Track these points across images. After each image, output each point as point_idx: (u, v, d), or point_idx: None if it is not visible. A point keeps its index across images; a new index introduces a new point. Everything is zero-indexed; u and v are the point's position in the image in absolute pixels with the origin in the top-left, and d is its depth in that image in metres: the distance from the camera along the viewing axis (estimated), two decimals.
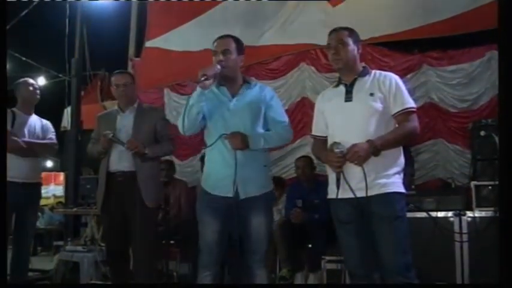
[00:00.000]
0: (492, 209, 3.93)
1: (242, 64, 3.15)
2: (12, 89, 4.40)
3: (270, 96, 3.12)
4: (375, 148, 2.61)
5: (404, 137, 2.78)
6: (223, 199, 2.98)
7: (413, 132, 2.78)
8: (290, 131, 3.15)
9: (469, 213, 4.05)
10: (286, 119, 3.15)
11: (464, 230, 3.99)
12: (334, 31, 2.89)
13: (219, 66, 2.93)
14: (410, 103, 2.76)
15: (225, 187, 2.96)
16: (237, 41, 3.12)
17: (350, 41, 2.83)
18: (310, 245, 4.75)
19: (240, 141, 2.90)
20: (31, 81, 4.54)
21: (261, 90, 3.13)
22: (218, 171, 3.04)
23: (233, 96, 3.07)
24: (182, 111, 2.95)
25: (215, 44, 3.07)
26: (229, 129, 2.95)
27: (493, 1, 4.89)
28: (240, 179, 2.94)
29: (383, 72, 2.88)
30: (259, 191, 3.00)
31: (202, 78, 2.82)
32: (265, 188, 3.06)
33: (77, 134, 6.67)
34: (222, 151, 2.99)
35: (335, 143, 2.68)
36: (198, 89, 2.88)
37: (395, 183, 2.70)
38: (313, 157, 5.16)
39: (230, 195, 2.94)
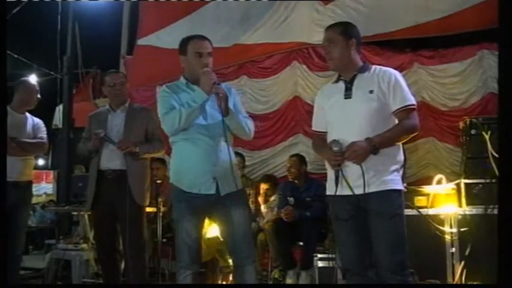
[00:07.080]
0: (482, 206, 3.96)
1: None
2: (11, 86, 4.31)
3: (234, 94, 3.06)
4: (373, 147, 2.56)
5: (404, 134, 2.70)
6: (204, 197, 2.86)
7: (413, 130, 2.72)
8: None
9: (460, 211, 4.08)
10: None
11: (455, 228, 4.03)
12: (328, 29, 2.84)
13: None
14: (411, 100, 2.69)
15: (205, 184, 2.85)
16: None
17: (341, 39, 2.76)
18: (302, 243, 4.77)
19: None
20: (33, 83, 4.44)
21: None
22: (195, 167, 2.87)
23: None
24: (182, 112, 2.82)
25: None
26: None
27: (485, 0, 4.95)
28: (220, 175, 2.86)
29: (383, 68, 2.81)
30: (236, 186, 2.93)
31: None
32: (240, 184, 3.00)
33: (68, 132, 6.65)
34: (199, 145, 2.86)
35: (334, 140, 2.63)
36: (205, 95, 2.80)
37: (393, 180, 2.65)
38: (305, 155, 5.19)
39: (212, 192, 2.85)
